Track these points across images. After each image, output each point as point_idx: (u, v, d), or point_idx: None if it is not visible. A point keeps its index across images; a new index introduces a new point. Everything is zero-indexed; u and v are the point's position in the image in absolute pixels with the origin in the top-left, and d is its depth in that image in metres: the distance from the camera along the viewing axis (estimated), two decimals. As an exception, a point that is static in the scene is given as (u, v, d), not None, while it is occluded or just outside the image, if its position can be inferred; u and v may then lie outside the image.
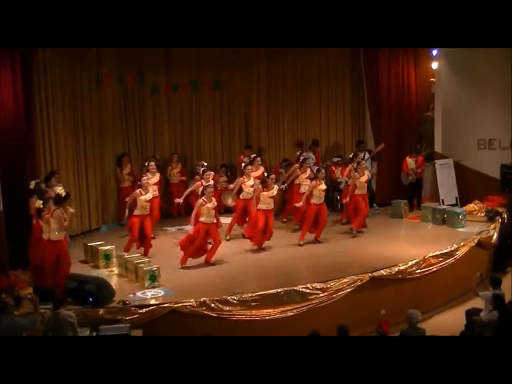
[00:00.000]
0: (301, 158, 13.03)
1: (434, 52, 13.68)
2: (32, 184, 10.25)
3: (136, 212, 10.99)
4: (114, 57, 13.28)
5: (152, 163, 12.57)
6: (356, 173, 12.05)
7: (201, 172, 12.05)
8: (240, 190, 12.13)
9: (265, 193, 11.20)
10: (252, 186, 11.82)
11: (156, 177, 12.50)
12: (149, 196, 11.12)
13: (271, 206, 11.27)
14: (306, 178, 12.37)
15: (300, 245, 11.50)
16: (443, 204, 13.20)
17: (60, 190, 9.35)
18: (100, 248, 10.74)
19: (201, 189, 11.26)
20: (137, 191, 11.04)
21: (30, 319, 7.40)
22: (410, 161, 13.54)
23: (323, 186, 11.60)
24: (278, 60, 14.83)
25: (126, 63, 13.65)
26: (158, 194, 12.37)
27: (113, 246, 10.82)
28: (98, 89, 13.35)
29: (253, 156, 13.03)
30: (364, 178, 12.09)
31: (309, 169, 12.59)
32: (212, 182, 11.60)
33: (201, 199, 10.56)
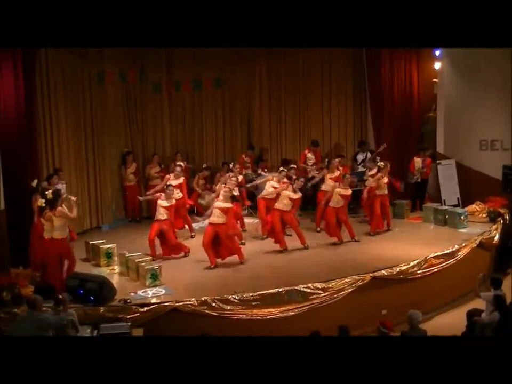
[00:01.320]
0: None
1: (437, 52, 13.65)
2: (34, 183, 10.26)
3: (156, 216, 10.94)
4: (116, 55, 13.27)
5: (178, 168, 12.21)
6: (380, 173, 12.05)
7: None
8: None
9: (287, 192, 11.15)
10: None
11: (180, 180, 12.07)
12: (165, 203, 10.86)
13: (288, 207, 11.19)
14: (331, 179, 12.31)
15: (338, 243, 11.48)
16: (445, 204, 13.19)
17: (48, 194, 9.34)
18: (101, 246, 10.74)
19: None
20: (159, 193, 11.03)
21: (58, 318, 7.47)
22: (418, 161, 13.52)
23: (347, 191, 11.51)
24: (280, 58, 14.86)
25: (128, 61, 13.65)
26: (182, 195, 12.14)
27: (114, 245, 10.83)
28: (100, 87, 13.34)
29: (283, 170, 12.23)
30: (386, 179, 12.07)
31: (337, 170, 12.49)
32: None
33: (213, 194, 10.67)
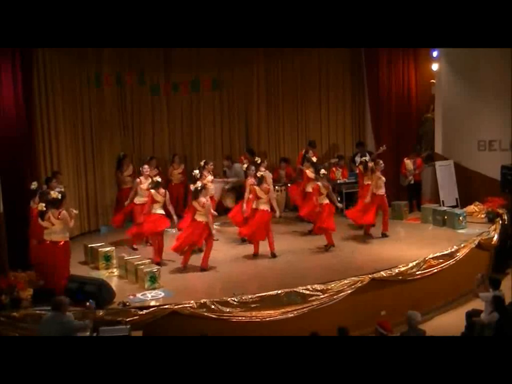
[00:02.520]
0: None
1: (435, 53, 13.71)
2: (34, 185, 10.23)
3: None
4: (114, 57, 13.28)
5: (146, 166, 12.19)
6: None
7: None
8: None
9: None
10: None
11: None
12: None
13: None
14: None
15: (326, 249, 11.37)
16: (443, 205, 13.21)
17: (54, 193, 9.32)
18: (100, 249, 10.72)
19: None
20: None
21: (83, 323, 7.56)
22: (408, 163, 13.57)
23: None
24: (278, 59, 14.92)
25: (126, 62, 13.67)
26: None
27: (113, 248, 10.81)
28: (98, 88, 13.31)
29: None
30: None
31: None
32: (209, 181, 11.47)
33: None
